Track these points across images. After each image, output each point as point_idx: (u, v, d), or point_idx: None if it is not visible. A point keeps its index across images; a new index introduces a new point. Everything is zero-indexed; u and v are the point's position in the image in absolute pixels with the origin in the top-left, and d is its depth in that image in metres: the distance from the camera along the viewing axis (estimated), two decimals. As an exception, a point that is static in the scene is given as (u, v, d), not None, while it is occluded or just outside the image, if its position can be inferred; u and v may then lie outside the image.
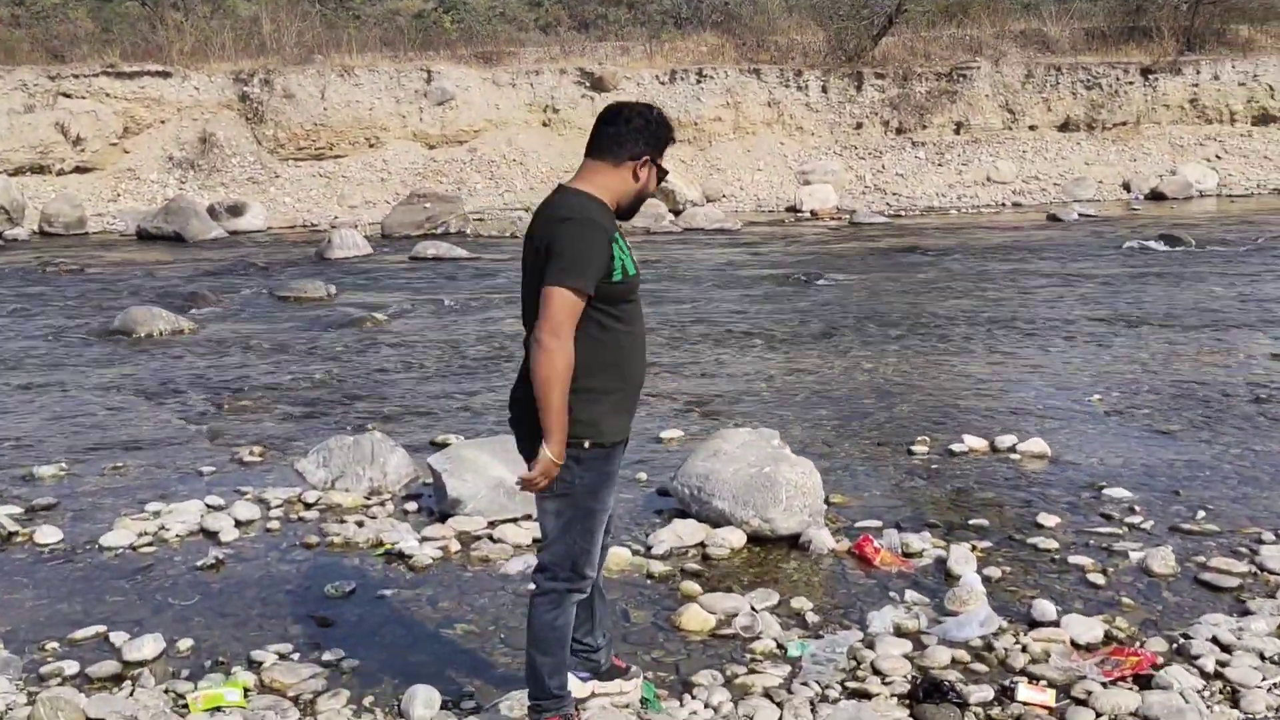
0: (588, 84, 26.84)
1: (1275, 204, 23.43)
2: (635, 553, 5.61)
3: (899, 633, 4.73)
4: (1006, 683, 4.26)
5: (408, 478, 6.78)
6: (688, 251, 17.65)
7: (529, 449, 3.60)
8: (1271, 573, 5.24)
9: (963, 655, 4.51)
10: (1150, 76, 27.23)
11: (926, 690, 4.15)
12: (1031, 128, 26.97)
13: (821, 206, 23.54)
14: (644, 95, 26.87)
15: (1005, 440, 7.30)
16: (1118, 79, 27.17)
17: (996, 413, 8.19)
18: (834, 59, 27.68)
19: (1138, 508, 6.15)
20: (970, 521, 6.01)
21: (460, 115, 25.99)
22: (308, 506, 6.34)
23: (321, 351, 10.76)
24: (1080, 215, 21.24)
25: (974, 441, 7.32)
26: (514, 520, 6.04)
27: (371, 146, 25.44)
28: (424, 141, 25.76)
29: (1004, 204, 24.31)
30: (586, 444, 3.58)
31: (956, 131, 26.81)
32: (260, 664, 4.46)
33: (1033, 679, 4.30)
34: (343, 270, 16.24)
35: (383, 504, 6.41)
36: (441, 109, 25.94)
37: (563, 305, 3.40)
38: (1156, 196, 24.42)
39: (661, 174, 3.72)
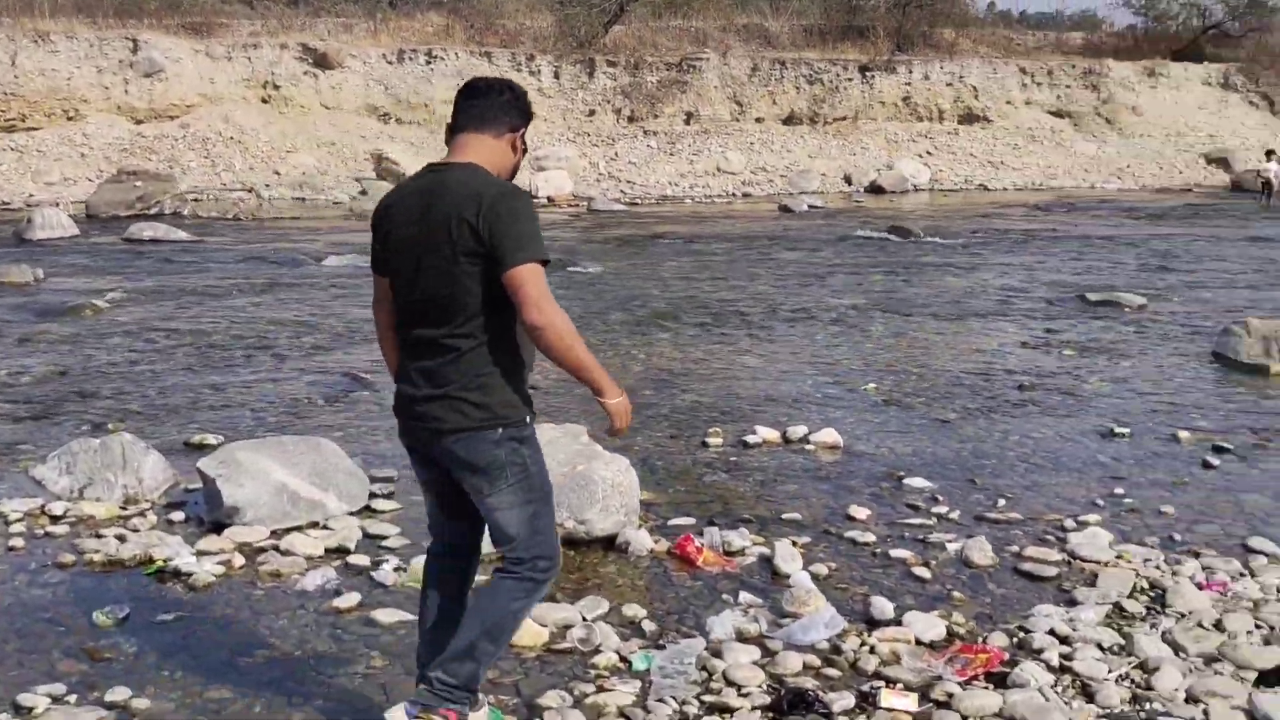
0: (310, 60, 25.74)
1: (981, 199, 24.79)
2: (443, 561, 5.15)
3: (741, 638, 4.48)
4: (865, 688, 4.07)
5: (167, 484, 6.07)
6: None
7: (443, 448, 3.34)
8: (1085, 560, 5.28)
9: (813, 660, 4.30)
10: (867, 74, 28.34)
11: (791, 702, 3.91)
12: (758, 120, 27.60)
13: (558, 193, 23.35)
14: (371, 74, 26.00)
15: (797, 430, 7.20)
16: (838, 75, 28.14)
17: (778, 402, 8.11)
18: (565, 45, 27.51)
19: (940, 497, 6.13)
20: (783, 515, 5.84)
21: (171, 89, 24.45)
22: (55, 520, 5.55)
23: (38, 342, 9.71)
24: (810, 206, 21.85)
25: (767, 432, 7.19)
26: (299, 529, 5.47)
27: (70, 119, 23.61)
28: (130, 115, 24.09)
29: (734, 194, 24.76)
30: (527, 418, 3.39)
31: (687, 122, 27.14)
32: (31, 710, 3.78)
33: (889, 682, 4.13)
34: (48, 252, 14.88)
35: (143, 514, 5.68)
36: (150, 81, 24.32)
37: (539, 280, 3.19)
38: (875, 190, 25.43)
39: (524, 148, 3.43)
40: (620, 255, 15.70)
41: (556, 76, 26.83)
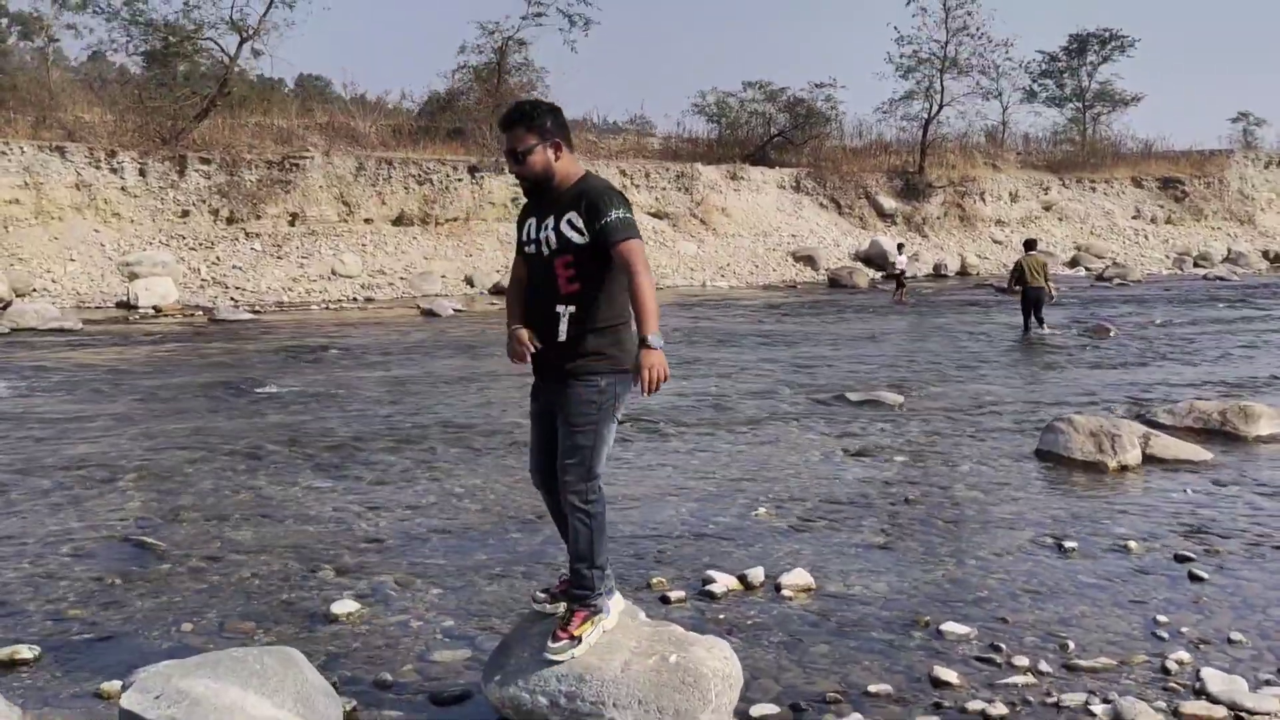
0: None
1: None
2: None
3: None
4: None
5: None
6: (39, 359, 14.36)
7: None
8: (1255, 713, 4.58)
9: None
10: (476, 175, 27.64)
11: None
12: (367, 221, 26.13)
13: (164, 302, 20.76)
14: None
15: (756, 574, 6.12)
16: (447, 175, 27.26)
17: (670, 537, 6.97)
18: (150, 141, 24.86)
19: (1002, 646, 5.26)
20: (868, 689, 4.75)
21: None
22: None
23: None
24: (455, 310, 20.69)
25: (726, 579, 6.06)
26: (288, 792, 3.77)
27: None
28: None
29: (356, 298, 23.15)
30: None
31: (292, 223, 25.20)
32: None
33: None
34: None
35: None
36: None
37: None
38: (499, 291, 24.62)
39: None
40: (301, 371, 13.86)
41: (143, 174, 24.09)
